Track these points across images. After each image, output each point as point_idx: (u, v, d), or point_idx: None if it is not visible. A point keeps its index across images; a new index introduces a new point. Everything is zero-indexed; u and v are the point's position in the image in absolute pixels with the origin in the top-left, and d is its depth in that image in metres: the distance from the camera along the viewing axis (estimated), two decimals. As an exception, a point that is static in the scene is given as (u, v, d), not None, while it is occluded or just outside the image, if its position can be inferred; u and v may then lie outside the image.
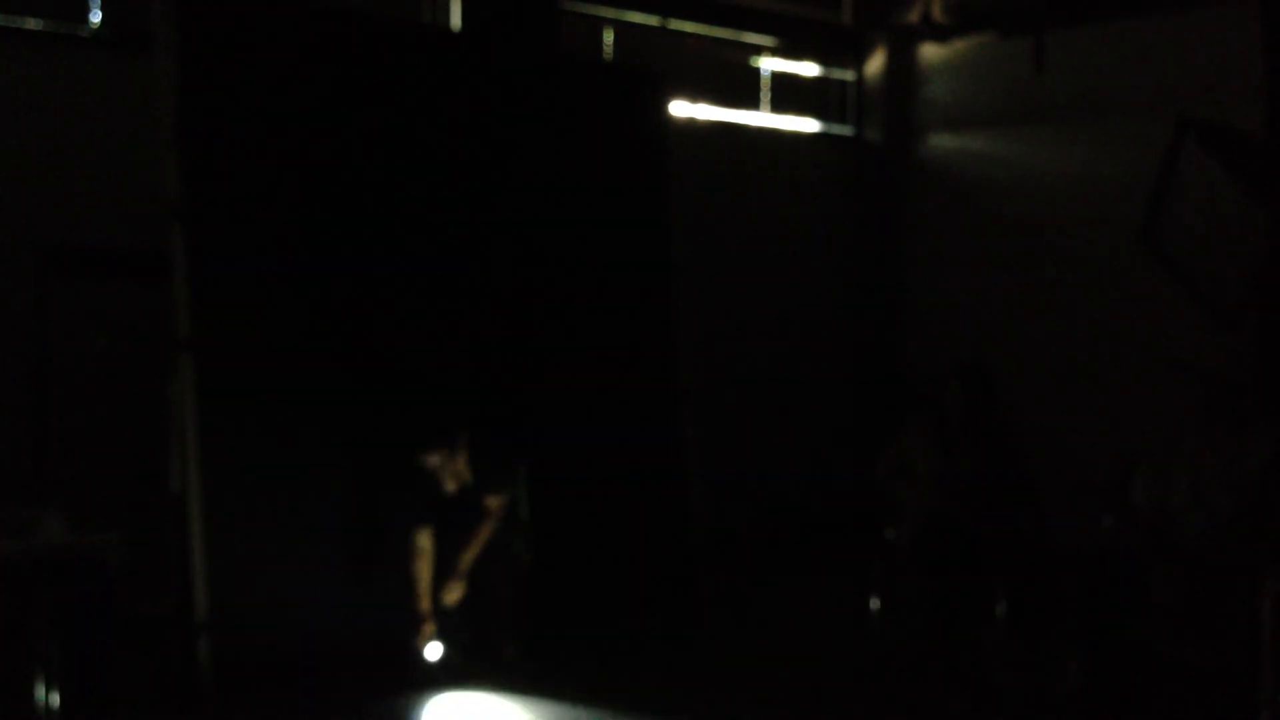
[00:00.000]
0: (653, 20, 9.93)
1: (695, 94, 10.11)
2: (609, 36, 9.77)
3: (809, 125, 10.99)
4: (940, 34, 10.68)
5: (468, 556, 6.44)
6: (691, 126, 9.96)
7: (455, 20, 8.55)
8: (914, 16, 10.74)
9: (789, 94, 10.92)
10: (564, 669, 6.64)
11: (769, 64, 10.76)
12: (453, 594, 6.45)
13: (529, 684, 6.35)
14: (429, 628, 6.37)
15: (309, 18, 6.74)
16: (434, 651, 6.36)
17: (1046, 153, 10.00)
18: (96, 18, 7.52)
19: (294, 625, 6.33)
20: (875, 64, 11.06)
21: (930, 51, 10.89)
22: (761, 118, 10.65)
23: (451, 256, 7.11)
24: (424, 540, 6.41)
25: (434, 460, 6.35)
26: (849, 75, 11.22)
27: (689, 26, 10.21)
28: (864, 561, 7.65)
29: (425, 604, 6.39)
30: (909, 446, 7.25)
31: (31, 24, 7.32)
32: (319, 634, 6.39)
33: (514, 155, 7.40)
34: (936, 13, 10.52)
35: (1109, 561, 6.41)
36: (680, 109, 9.85)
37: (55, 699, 5.46)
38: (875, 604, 7.43)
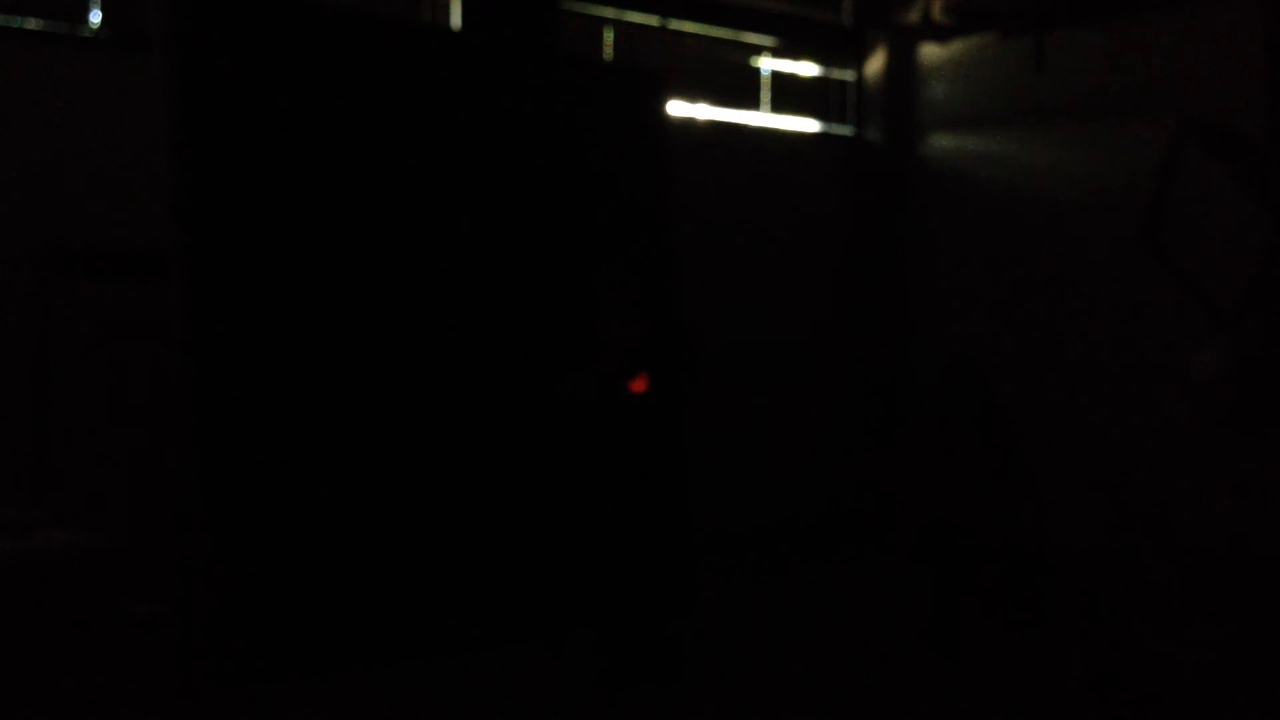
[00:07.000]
0: (653, 20, 9.93)
1: (695, 94, 10.11)
2: (609, 36, 9.77)
3: (809, 125, 10.99)
4: (940, 34, 10.68)
5: None
6: (691, 126, 9.96)
7: (455, 20, 8.55)
8: (914, 16, 10.74)
9: (789, 94, 10.92)
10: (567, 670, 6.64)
11: (769, 64, 10.76)
12: None
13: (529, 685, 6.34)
14: None
15: (308, 17, 6.74)
16: None
17: (1046, 153, 10.00)
18: (96, 18, 7.52)
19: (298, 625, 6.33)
20: (875, 64, 11.06)
21: (930, 51, 10.89)
22: (761, 118, 10.65)
23: (451, 255, 7.10)
24: None
25: None
26: (849, 75, 11.22)
27: (689, 26, 10.21)
28: (865, 561, 7.65)
29: None
30: (909, 446, 7.26)
31: (31, 24, 7.32)
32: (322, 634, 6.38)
33: (514, 155, 7.40)
34: (936, 13, 10.52)
35: (1109, 561, 6.42)
36: (680, 109, 9.85)
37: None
38: (878, 603, 7.43)
